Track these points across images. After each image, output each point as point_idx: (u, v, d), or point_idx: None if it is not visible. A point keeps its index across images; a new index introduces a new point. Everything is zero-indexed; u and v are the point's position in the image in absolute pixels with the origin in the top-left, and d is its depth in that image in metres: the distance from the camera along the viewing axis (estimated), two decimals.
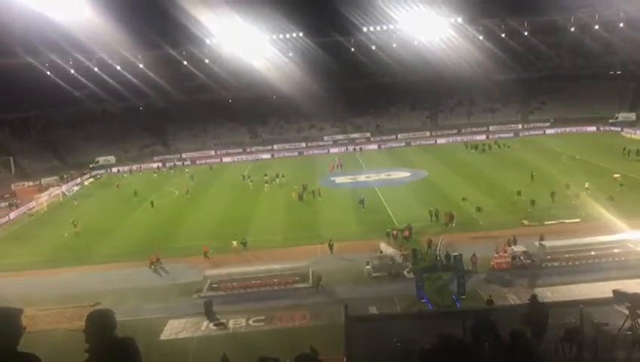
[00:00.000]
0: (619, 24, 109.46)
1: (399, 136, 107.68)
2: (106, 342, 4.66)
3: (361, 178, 74.54)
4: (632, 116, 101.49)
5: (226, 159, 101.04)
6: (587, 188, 54.31)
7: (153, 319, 34.20)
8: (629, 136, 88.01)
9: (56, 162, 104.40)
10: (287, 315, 33.71)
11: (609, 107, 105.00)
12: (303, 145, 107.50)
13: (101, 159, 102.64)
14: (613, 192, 52.54)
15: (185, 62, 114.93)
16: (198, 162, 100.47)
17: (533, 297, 13.32)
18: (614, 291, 12.02)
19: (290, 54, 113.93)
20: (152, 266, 44.07)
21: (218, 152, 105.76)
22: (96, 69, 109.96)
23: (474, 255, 38.00)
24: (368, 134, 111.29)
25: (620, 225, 41.91)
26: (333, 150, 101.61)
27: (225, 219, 57.62)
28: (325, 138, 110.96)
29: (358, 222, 52.48)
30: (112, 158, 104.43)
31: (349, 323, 14.18)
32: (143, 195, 71.17)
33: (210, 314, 34.33)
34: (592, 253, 38.16)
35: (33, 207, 72.00)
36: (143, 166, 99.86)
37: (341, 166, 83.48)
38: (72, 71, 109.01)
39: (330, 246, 44.26)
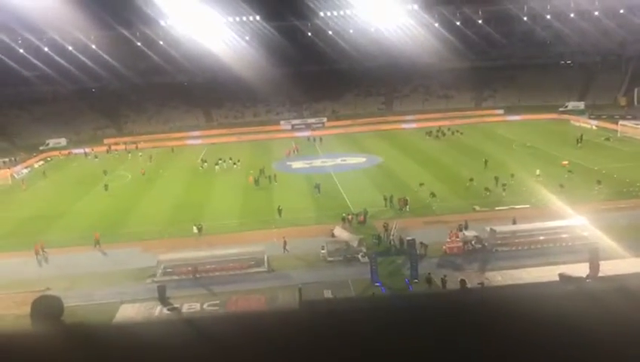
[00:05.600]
0: (569, 14, 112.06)
1: (355, 121, 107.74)
2: (51, 328, 4.59)
3: (317, 163, 74.52)
4: (581, 105, 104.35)
5: (180, 142, 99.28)
6: (538, 175, 55.72)
7: (105, 304, 33.74)
8: (577, 124, 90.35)
9: (4, 144, 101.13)
10: (242, 299, 33.69)
11: (559, 96, 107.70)
12: (259, 129, 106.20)
13: (51, 141, 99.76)
14: (562, 179, 54.05)
15: (139, 44, 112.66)
16: (152, 145, 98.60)
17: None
18: (560, 275, 12.43)
19: (247, 37, 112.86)
20: (38, 256, 42.28)
21: (172, 135, 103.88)
22: (46, 49, 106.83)
23: (421, 242, 38.44)
24: (325, 119, 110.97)
25: (567, 211, 43.12)
26: (289, 135, 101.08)
27: (179, 203, 56.92)
28: (282, 123, 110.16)
29: (313, 207, 52.62)
30: (62, 141, 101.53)
31: (302, 307, 14.28)
32: (105, 177, 69.52)
33: (163, 299, 33.99)
34: (541, 237, 39.25)
35: None
36: (96, 149, 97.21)
37: (297, 151, 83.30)
38: (21, 50, 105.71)
39: (279, 211, 48.18)
